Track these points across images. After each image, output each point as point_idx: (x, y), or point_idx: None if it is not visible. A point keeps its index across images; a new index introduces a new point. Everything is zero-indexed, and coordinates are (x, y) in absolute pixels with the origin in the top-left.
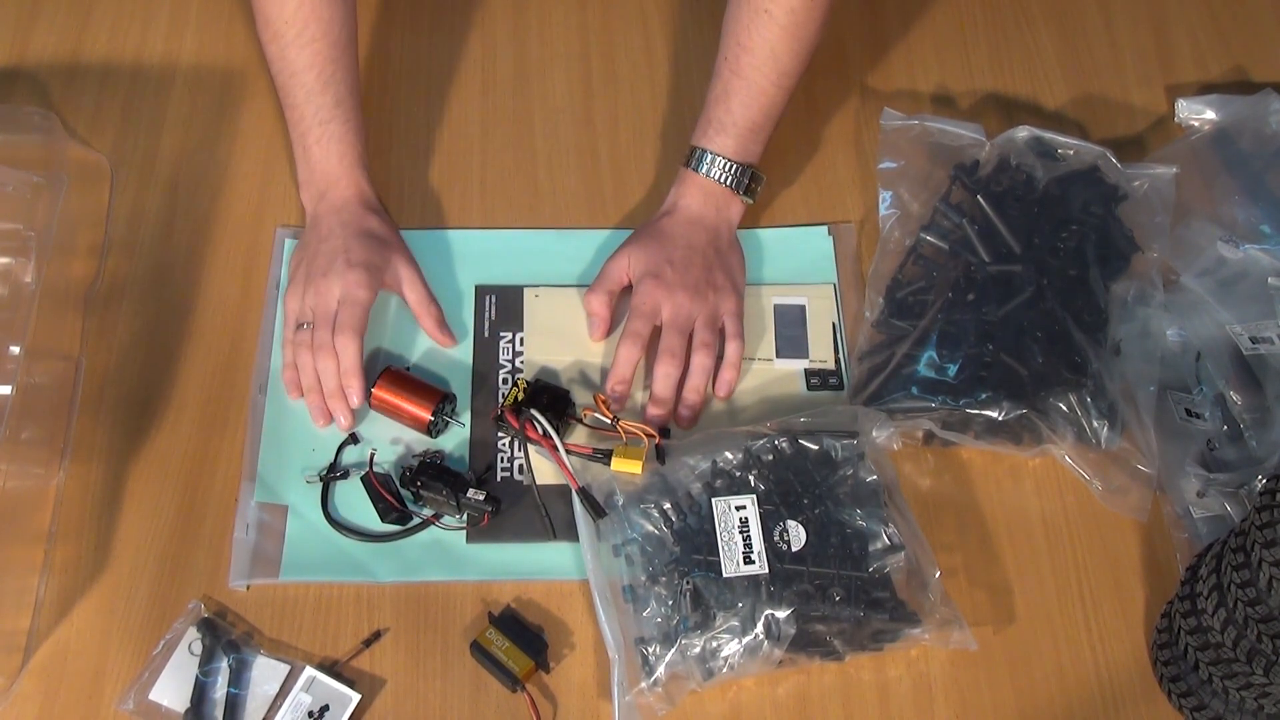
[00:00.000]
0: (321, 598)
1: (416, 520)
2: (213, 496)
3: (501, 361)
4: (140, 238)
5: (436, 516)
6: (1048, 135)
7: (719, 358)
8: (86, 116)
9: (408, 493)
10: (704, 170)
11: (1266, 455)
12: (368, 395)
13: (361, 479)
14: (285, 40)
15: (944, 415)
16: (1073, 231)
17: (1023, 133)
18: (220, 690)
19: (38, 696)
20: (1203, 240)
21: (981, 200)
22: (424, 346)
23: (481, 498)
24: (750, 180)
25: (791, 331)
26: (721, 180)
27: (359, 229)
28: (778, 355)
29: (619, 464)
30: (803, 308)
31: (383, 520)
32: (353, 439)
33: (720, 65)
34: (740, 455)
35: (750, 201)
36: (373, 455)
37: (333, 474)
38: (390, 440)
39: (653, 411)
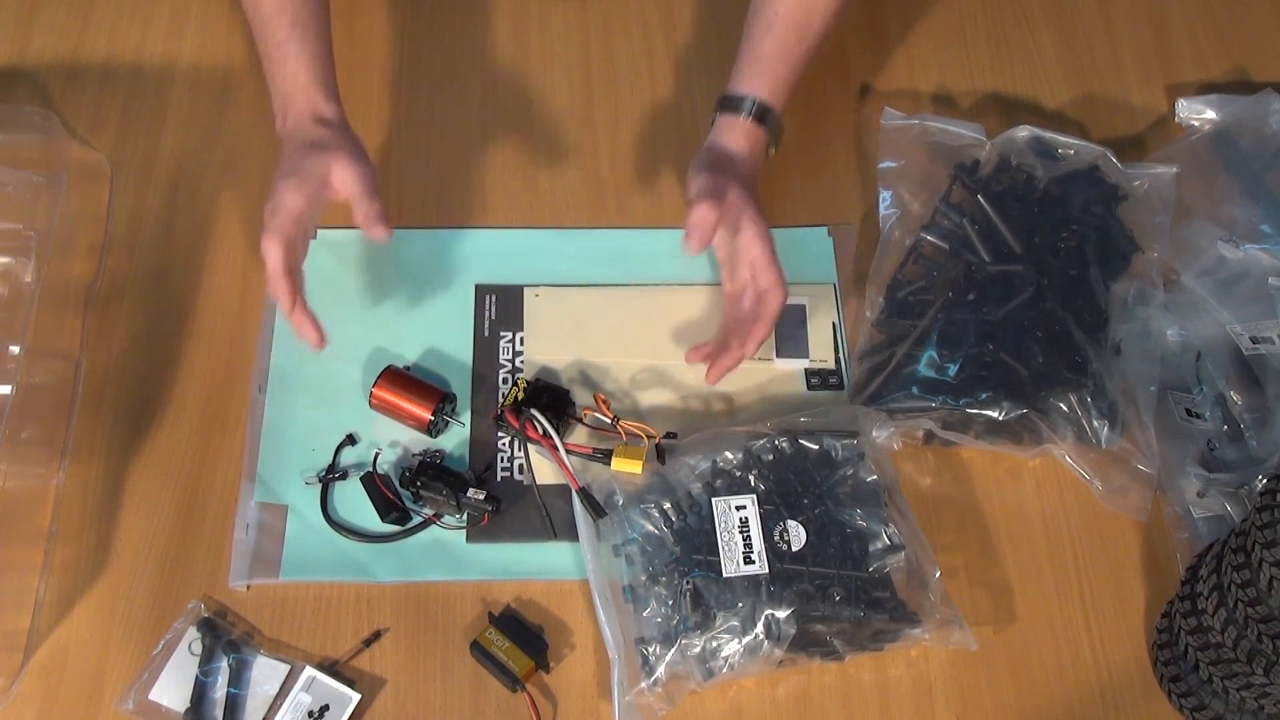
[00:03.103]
0: (321, 598)
1: (416, 520)
2: (213, 496)
3: (501, 361)
4: (140, 238)
5: (437, 516)
6: (1048, 135)
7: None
8: (86, 116)
9: (408, 492)
10: (745, 114)
11: (1266, 455)
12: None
13: (361, 479)
14: None
15: (944, 415)
16: (1073, 231)
17: (1023, 132)
18: (220, 690)
19: (38, 696)
20: (1203, 240)
21: (982, 200)
22: (424, 346)
23: (481, 497)
24: (778, 132)
25: (791, 331)
26: (761, 122)
27: (300, 142)
28: (778, 355)
29: (619, 464)
30: (803, 308)
31: (383, 519)
32: (350, 440)
33: (753, 21)
34: (740, 455)
35: (773, 152)
36: (377, 455)
37: (331, 474)
38: (390, 440)
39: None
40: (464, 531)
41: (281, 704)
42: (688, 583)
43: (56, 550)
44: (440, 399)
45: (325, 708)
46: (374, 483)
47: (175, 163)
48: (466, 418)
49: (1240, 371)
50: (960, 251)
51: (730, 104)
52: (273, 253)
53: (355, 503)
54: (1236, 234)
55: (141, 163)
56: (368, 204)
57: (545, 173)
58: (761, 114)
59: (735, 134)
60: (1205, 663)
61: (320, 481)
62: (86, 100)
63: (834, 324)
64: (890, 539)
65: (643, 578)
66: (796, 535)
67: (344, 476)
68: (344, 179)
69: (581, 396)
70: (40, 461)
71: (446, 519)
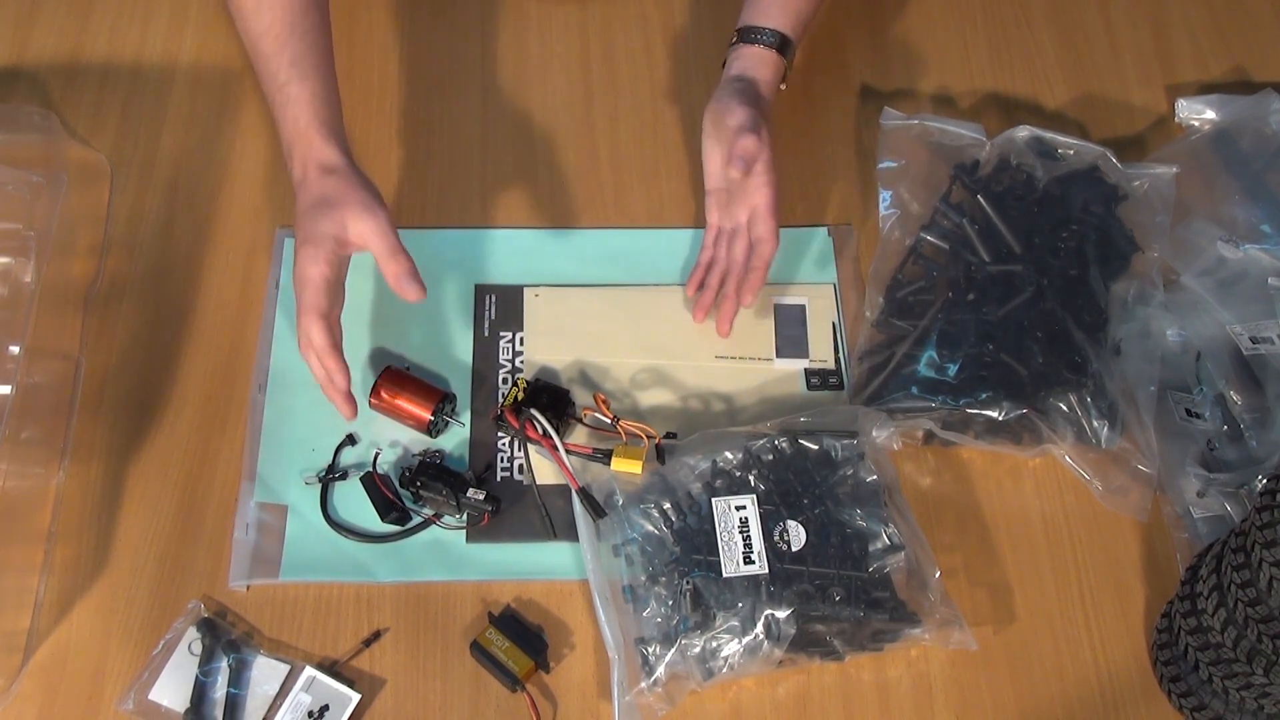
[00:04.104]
0: (321, 598)
1: (416, 520)
2: (213, 496)
3: (501, 361)
4: (140, 238)
5: (437, 516)
6: (1048, 135)
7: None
8: (86, 116)
9: (408, 492)
10: (772, 46)
11: (1266, 455)
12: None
13: (361, 479)
14: (245, 11)
15: (944, 415)
16: (1073, 231)
17: (1023, 132)
18: (220, 690)
19: (38, 696)
20: (1203, 240)
21: (981, 200)
22: (424, 346)
23: (481, 497)
24: (792, 59)
25: (792, 331)
26: (783, 54)
27: (311, 201)
28: (778, 355)
29: (619, 464)
30: (803, 308)
31: (383, 519)
32: (350, 440)
33: None
34: (740, 455)
35: (783, 87)
36: (377, 455)
37: (331, 475)
38: (390, 440)
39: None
40: (464, 532)
41: (281, 704)
42: (688, 583)
43: (56, 550)
44: (440, 399)
45: (325, 708)
46: (374, 483)
47: (175, 163)
48: (466, 418)
49: (1240, 371)
50: (960, 251)
51: (757, 36)
52: (316, 332)
53: (355, 503)
54: (1236, 234)
55: (141, 163)
56: (394, 262)
57: (545, 173)
58: (783, 46)
59: (763, 66)
60: (1205, 663)
61: (320, 481)
62: (86, 100)
63: (834, 324)
64: (890, 539)
65: (643, 578)
66: (796, 535)
67: (344, 476)
68: (361, 233)
69: (581, 396)
70: (40, 461)
71: (446, 519)
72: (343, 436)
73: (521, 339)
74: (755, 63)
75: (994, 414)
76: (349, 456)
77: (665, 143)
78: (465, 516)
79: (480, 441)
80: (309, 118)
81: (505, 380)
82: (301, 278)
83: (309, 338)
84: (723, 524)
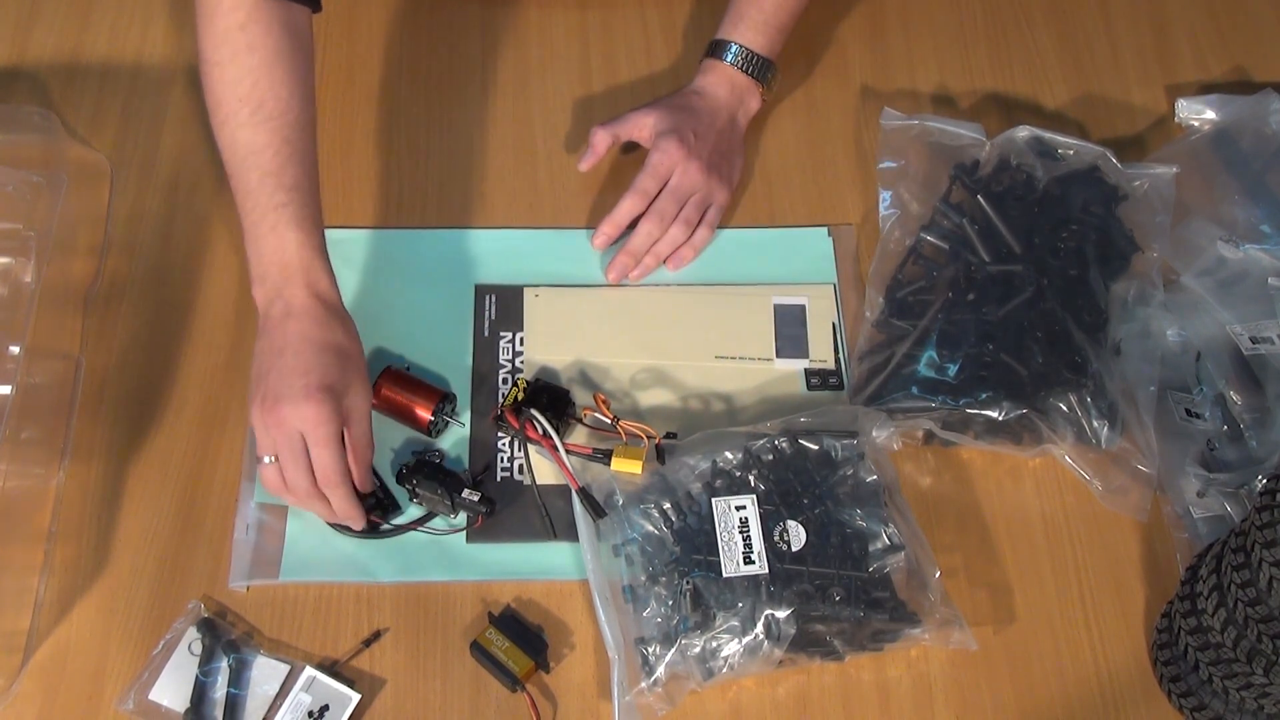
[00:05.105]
0: (321, 598)
1: (400, 520)
2: (213, 496)
3: (501, 361)
4: (140, 238)
5: (420, 521)
6: (1048, 135)
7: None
8: (86, 116)
9: (404, 489)
10: (730, 61)
11: (1266, 455)
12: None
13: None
14: (238, 121)
15: (944, 415)
16: (1073, 231)
17: (1023, 133)
18: (220, 690)
19: (38, 696)
20: (1203, 240)
21: (981, 200)
22: (424, 346)
23: (476, 499)
24: (771, 74)
25: (792, 331)
26: (747, 72)
27: (320, 343)
28: (778, 355)
29: (619, 464)
30: (803, 308)
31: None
32: None
33: None
34: (740, 455)
35: (769, 96)
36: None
37: None
38: (389, 440)
39: (621, 258)
40: (464, 532)
41: (281, 704)
42: (688, 583)
43: (56, 550)
44: (440, 399)
45: (325, 708)
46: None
47: (175, 163)
48: (466, 418)
49: (1240, 371)
50: (960, 251)
51: (713, 49)
52: (340, 498)
53: None
54: (1236, 234)
55: (141, 163)
56: (369, 453)
57: (545, 173)
58: (746, 60)
59: (715, 79)
60: (1205, 663)
61: None
62: (86, 100)
63: (834, 324)
64: (890, 539)
65: (643, 578)
66: (796, 535)
67: None
68: (355, 412)
69: (581, 396)
70: (40, 461)
71: (435, 522)
72: None
73: (521, 339)
74: (708, 76)
75: (994, 414)
76: None
77: None
78: (461, 517)
79: (480, 441)
80: (313, 247)
81: (505, 380)
82: (320, 437)
83: (338, 505)
84: (723, 524)
